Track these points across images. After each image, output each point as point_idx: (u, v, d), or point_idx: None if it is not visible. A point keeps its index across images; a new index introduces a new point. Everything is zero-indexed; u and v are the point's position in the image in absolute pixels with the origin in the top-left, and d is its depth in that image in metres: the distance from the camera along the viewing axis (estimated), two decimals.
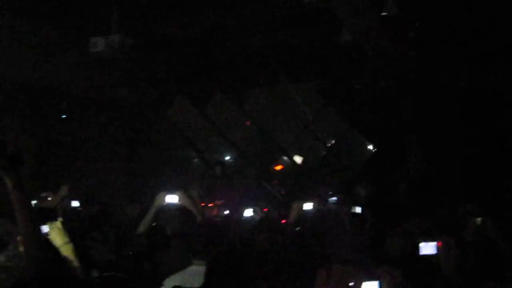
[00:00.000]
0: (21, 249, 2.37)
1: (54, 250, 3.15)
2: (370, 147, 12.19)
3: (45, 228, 3.45)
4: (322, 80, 12.85)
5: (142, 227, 4.96)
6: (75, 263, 3.23)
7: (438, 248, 3.07)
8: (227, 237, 3.99)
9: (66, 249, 3.34)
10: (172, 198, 5.00)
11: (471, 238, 4.71)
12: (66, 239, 3.38)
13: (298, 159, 13.88)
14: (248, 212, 5.63)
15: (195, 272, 3.80)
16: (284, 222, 6.16)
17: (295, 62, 11.81)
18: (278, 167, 14.36)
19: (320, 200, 5.58)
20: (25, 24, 9.06)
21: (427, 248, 3.06)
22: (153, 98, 12.72)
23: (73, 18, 9.43)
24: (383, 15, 7.69)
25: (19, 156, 2.30)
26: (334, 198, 6.20)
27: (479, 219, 4.93)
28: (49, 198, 3.48)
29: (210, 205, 10.85)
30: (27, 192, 2.37)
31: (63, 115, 11.38)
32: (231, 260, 3.20)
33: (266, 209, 6.30)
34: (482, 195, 7.92)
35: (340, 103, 12.68)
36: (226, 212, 7.52)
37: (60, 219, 3.50)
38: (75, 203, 6.14)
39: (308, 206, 5.23)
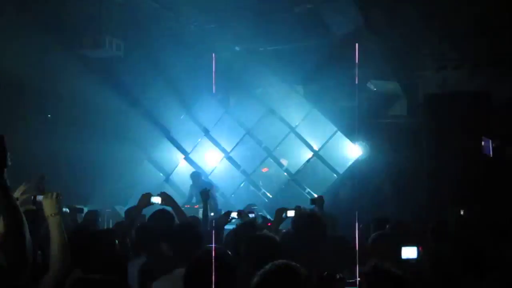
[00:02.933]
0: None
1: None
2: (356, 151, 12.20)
3: (39, 198, 3.47)
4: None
5: (124, 228, 4.96)
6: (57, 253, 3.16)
7: (419, 252, 3.13)
8: (207, 240, 3.95)
9: (53, 221, 3.25)
10: (155, 199, 5.03)
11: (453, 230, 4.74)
12: (55, 211, 3.28)
13: (284, 162, 13.94)
14: (234, 215, 5.64)
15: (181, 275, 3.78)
16: (269, 225, 6.20)
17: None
18: (264, 170, 14.41)
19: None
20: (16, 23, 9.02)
21: (408, 252, 3.12)
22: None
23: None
24: None
25: (3, 157, 2.19)
26: (315, 200, 6.25)
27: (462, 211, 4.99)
28: (40, 197, 3.44)
29: (195, 206, 10.92)
30: (12, 193, 2.29)
31: (48, 114, 11.31)
32: (209, 264, 3.19)
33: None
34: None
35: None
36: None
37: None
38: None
39: (291, 213, 5.28)
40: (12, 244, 2.26)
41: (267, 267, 2.44)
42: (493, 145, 8.65)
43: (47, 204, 3.30)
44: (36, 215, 3.52)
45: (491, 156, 9.40)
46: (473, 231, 4.43)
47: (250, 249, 3.71)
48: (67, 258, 3.16)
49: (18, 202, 2.43)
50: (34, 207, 3.51)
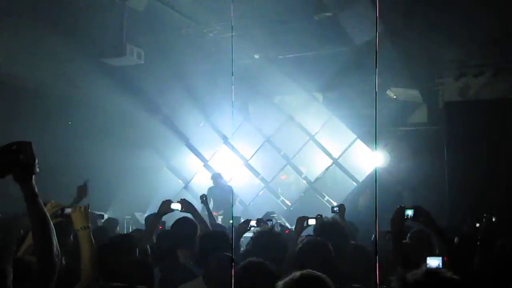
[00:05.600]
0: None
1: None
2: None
3: (67, 210, 3.50)
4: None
5: (145, 235, 4.99)
6: (87, 266, 3.21)
7: (444, 263, 3.11)
8: (225, 249, 3.92)
9: (82, 234, 3.33)
10: (175, 206, 5.04)
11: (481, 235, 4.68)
12: (85, 224, 3.36)
13: (303, 169, 13.91)
14: (253, 223, 5.62)
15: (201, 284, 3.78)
16: (287, 232, 6.18)
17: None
18: (284, 177, 14.42)
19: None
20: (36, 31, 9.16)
21: (434, 262, 3.11)
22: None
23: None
24: None
25: (32, 165, 2.17)
26: (336, 208, 6.21)
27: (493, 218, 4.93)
28: (67, 210, 3.47)
29: (214, 213, 10.94)
30: (42, 203, 2.27)
31: (69, 121, 11.44)
32: (228, 272, 3.20)
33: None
34: None
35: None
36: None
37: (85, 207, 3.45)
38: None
39: (312, 221, 5.25)
40: (40, 249, 2.28)
41: (293, 276, 2.40)
42: None
43: (77, 218, 3.37)
44: (65, 227, 3.57)
45: None
46: (504, 238, 4.37)
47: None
48: (96, 268, 3.22)
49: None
50: (63, 219, 3.55)
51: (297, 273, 2.40)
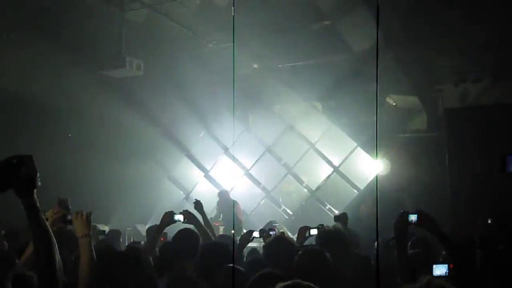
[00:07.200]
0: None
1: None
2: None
3: (69, 216, 3.45)
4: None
5: (148, 246, 4.97)
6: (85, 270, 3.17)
7: (449, 270, 3.10)
8: (228, 260, 3.89)
9: (83, 242, 3.27)
10: (178, 217, 5.01)
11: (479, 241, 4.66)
12: (87, 232, 3.30)
13: (304, 178, 13.89)
14: (255, 234, 5.60)
15: None
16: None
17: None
18: (286, 186, 14.38)
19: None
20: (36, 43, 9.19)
21: (440, 269, 3.11)
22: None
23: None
24: None
25: (33, 178, 2.15)
26: (339, 217, 6.18)
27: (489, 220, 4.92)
28: (69, 217, 3.43)
29: (215, 224, 10.92)
30: (44, 218, 2.25)
31: (69, 134, 11.44)
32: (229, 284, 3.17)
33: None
34: None
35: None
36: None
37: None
38: None
39: (314, 231, 5.24)
40: (42, 265, 2.25)
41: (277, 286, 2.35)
42: None
43: (79, 225, 3.31)
44: (67, 234, 3.54)
45: None
46: (502, 242, 4.35)
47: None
48: (94, 278, 3.18)
49: (48, 222, 2.44)
50: (65, 225, 3.51)
51: (280, 284, 2.31)
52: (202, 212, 5.73)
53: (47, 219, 2.40)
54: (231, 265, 3.74)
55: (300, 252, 3.79)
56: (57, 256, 2.25)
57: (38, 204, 2.22)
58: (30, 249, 3.22)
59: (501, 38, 9.69)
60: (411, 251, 4.52)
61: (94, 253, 3.27)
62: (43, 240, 2.23)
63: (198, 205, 5.86)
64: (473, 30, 9.66)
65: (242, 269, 3.78)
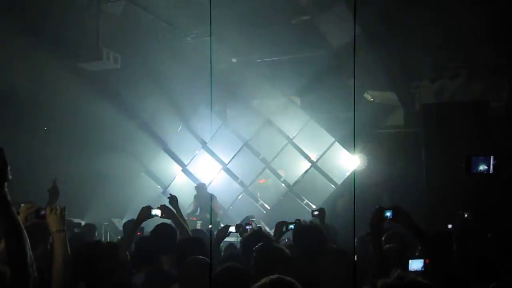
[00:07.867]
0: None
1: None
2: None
3: (43, 212, 3.39)
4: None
5: (125, 241, 4.92)
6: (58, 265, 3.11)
7: (425, 265, 3.13)
8: (204, 254, 3.88)
9: (57, 237, 3.22)
10: (156, 212, 4.98)
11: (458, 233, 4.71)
12: (61, 227, 3.25)
13: (282, 173, 13.91)
14: (232, 229, 5.59)
15: None
16: None
17: None
18: (262, 181, 14.39)
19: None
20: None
21: (416, 264, 3.14)
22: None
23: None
24: None
25: (4, 171, 2.09)
26: (316, 212, 6.20)
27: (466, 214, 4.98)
28: (42, 212, 3.36)
29: (192, 218, 10.88)
30: (15, 212, 2.20)
31: (44, 127, 11.28)
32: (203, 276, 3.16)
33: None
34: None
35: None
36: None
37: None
38: None
39: (291, 226, 5.25)
40: (14, 260, 2.20)
41: (261, 282, 2.39)
42: (494, 162, 8.55)
43: (53, 220, 3.26)
44: (41, 229, 3.48)
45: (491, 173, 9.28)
46: (478, 237, 4.40)
47: (260, 260, 3.63)
48: (68, 274, 3.13)
49: (21, 217, 2.39)
50: (38, 221, 3.44)
51: (267, 278, 2.37)
52: (177, 207, 5.68)
53: (19, 214, 2.35)
54: (201, 257, 3.74)
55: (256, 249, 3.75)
56: (29, 251, 2.21)
57: (8, 198, 2.17)
58: (2, 244, 3.16)
59: (477, 35, 9.80)
60: (386, 245, 4.55)
61: (68, 248, 3.22)
62: (14, 234, 2.19)
63: (173, 200, 5.81)
64: (450, 27, 9.75)
65: (208, 260, 3.76)
